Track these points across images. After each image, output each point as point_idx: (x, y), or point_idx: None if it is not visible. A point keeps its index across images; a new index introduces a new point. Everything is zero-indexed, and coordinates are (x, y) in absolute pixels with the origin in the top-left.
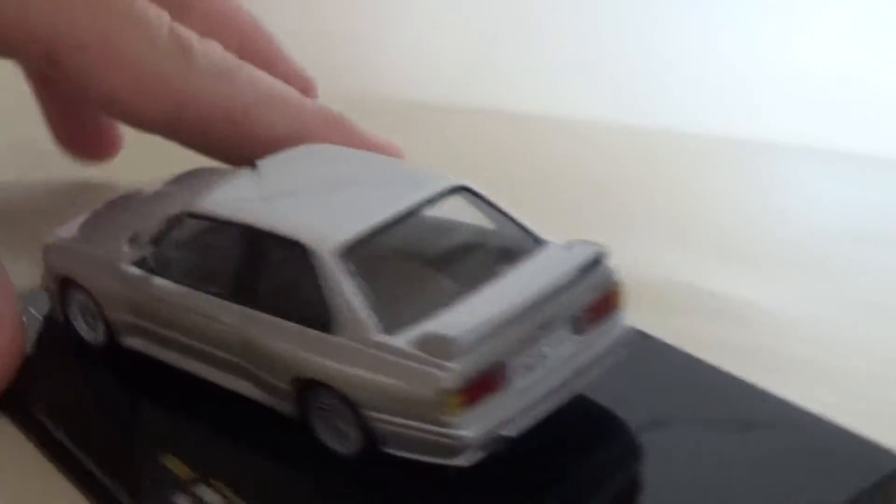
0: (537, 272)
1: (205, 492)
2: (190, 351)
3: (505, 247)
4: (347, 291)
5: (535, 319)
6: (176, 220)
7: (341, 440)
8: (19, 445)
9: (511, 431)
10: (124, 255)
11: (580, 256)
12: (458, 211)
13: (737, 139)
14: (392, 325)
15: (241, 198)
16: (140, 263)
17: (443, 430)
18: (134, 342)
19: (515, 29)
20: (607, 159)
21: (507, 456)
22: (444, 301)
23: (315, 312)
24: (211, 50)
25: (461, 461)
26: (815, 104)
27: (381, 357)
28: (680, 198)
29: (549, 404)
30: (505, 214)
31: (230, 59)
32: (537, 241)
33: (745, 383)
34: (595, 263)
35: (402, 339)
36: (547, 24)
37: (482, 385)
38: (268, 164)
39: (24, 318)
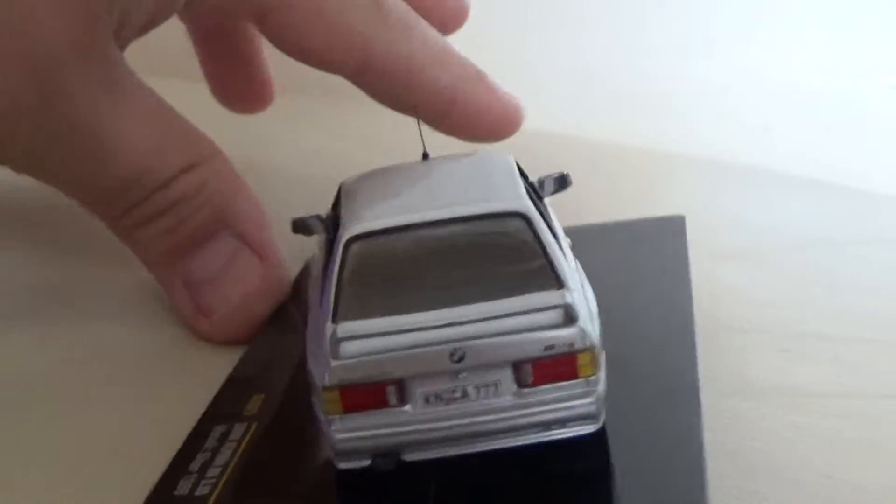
0: (498, 309)
1: (237, 428)
2: None
3: (522, 279)
4: (333, 276)
5: (445, 350)
6: (339, 193)
7: None
8: None
9: (405, 454)
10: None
11: (541, 304)
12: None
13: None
14: (344, 316)
15: (373, 182)
16: (320, 222)
17: (325, 428)
18: None
19: None
20: None
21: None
22: (407, 309)
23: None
24: (397, 5)
25: (338, 462)
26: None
27: (320, 344)
28: None
29: (466, 446)
30: (543, 248)
31: (412, 15)
32: (559, 284)
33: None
34: (559, 317)
35: (334, 330)
36: None
37: (366, 393)
38: (436, 158)
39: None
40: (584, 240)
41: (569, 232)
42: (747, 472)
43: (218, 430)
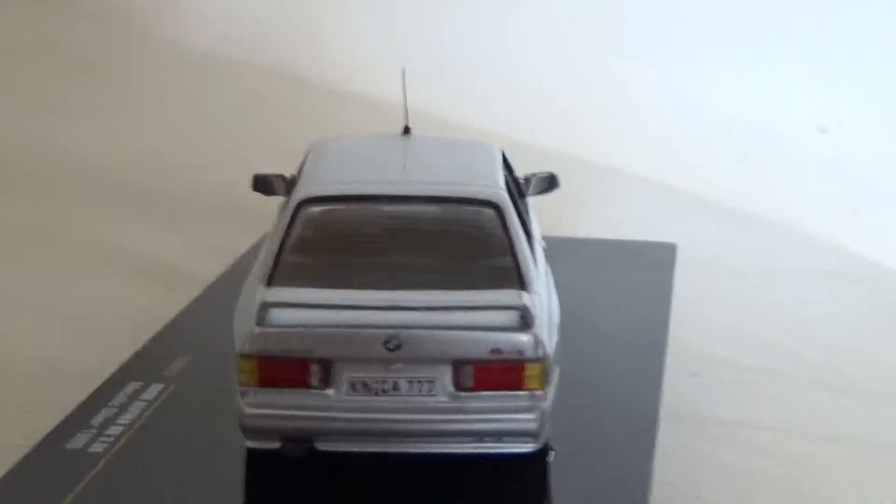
0: (447, 300)
1: (153, 388)
2: None
3: (482, 273)
4: (277, 238)
5: (380, 335)
6: (306, 154)
7: None
8: None
9: (319, 442)
10: None
11: (496, 302)
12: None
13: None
14: (279, 282)
15: (342, 147)
16: (283, 183)
17: (238, 399)
18: None
19: None
20: None
21: None
22: (348, 284)
23: None
24: None
25: (247, 441)
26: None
27: (248, 308)
28: None
29: (387, 444)
30: (511, 243)
31: None
32: (521, 285)
33: None
34: (513, 319)
35: (264, 295)
36: None
37: (286, 368)
38: (418, 135)
39: None
40: (568, 252)
41: (558, 242)
42: None
43: (132, 386)
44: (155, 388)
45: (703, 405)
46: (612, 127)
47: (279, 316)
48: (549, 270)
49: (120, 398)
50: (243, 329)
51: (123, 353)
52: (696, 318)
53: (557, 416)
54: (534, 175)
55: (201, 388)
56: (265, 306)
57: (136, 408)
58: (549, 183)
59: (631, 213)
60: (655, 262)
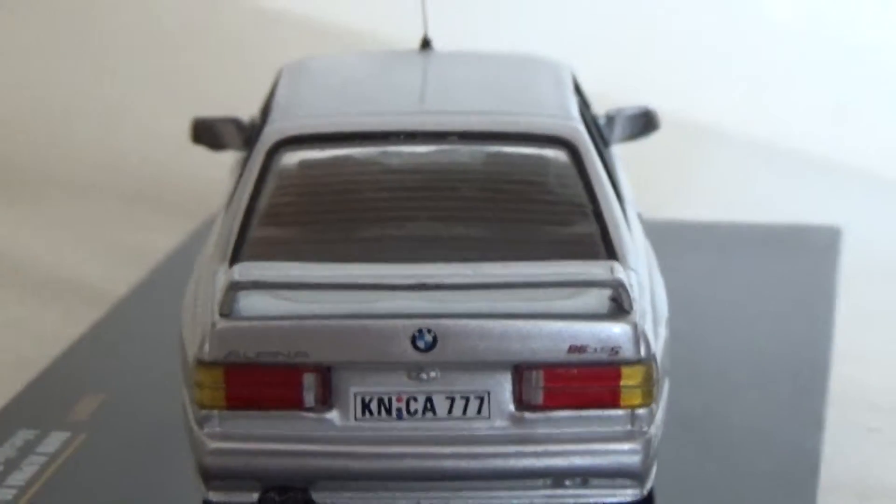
0: (503, 275)
1: (54, 437)
2: None
3: (551, 238)
4: (242, 198)
5: (406, 328)
6: (276, 80)
7: None
8: None
9: (317, 491)
10: None
11: (576, 277)
12: None
13: None
14: (249, 255)
15: (333, 70)
16: (237, 130)
17: (194, 430)
18: None
19: None
20: None
21: None
22: (353, 256)
23: None
24: None
25: (210, 492)
26: None
27: (204, 298)
28: None
29: (420, 492)
30: (593, 196)
31: None
32: (610, 254)
33: None
34: (600, 301)
35: (229, 274)
36: None
37: (267, 380)
38: (445, 51)
39: None
40: (690, 240)
41: (674, 227)
42: None
43: (22, 435)
44: (57, 438)
45: (885, 477)
46: (743, 87)
47: (254, 303)
48: (649, 248)
49: (6, 451)
50: (199, 325)
51: (8, 392)
52: (871, 337)
53: (668, 458)
54: (619, 111)
55: (123, 436)
56: (233, 288)
57: (32, 464)
58: (645, 122)
59: (776, 192)
60: (813, 252)
